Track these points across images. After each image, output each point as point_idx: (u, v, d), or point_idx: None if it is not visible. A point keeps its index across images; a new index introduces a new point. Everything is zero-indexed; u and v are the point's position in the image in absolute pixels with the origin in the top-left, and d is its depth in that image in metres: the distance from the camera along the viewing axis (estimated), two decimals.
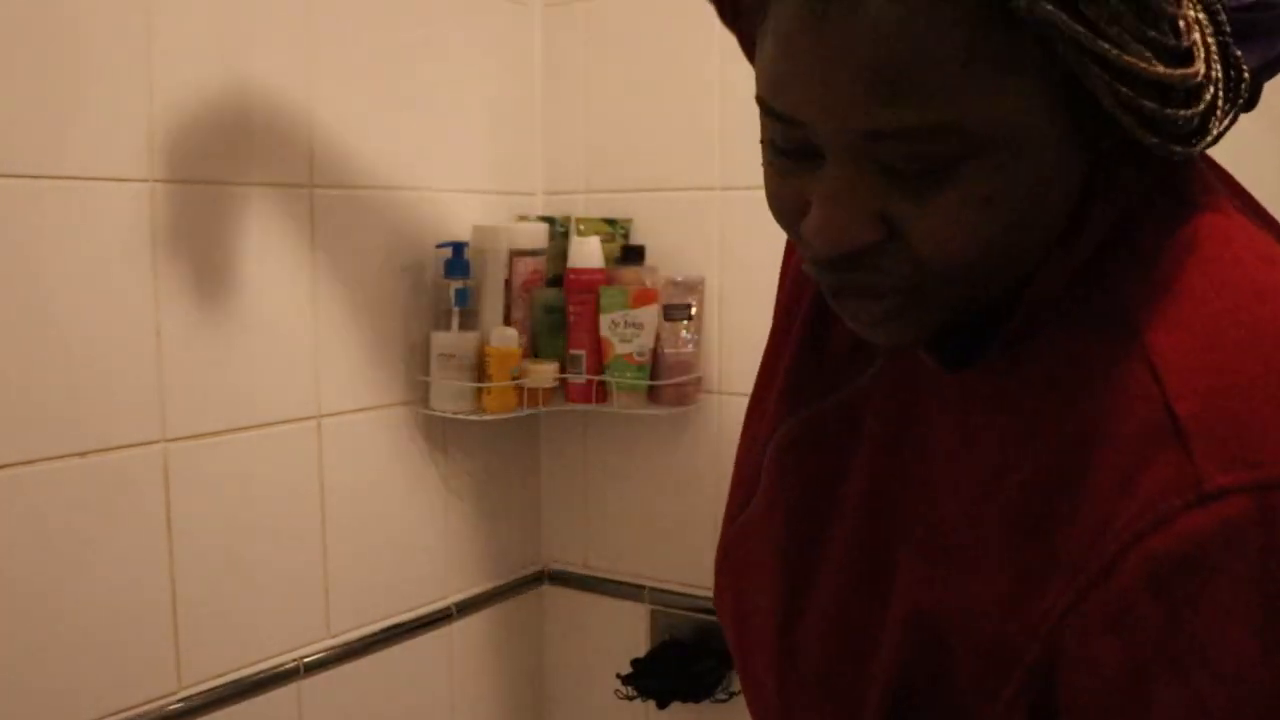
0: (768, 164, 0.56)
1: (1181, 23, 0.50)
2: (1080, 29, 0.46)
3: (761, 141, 0.57)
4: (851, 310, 0.56)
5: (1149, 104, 0.48)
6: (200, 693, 1.28)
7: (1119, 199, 0.54)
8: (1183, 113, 0.49)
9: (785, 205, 0.55)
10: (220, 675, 1.30)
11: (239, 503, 1.32)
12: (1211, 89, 0.51)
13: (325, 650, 1.43)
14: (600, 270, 1.59)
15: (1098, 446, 0.49)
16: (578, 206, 1.72)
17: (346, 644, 1.46)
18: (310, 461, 1.41)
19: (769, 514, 0.67)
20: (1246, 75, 0.52)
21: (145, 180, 1.21)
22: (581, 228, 1.63)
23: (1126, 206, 0.54)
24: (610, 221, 1.66)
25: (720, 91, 1.57)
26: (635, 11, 1.65)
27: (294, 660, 1.39)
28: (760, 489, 0.69)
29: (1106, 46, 0.46)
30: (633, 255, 1.62)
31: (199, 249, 1.26)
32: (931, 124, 0.48)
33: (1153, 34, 0.48)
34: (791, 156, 0.54)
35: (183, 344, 1.25)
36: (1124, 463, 0.48)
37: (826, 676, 0.60)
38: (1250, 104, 0.53)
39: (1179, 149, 0.50)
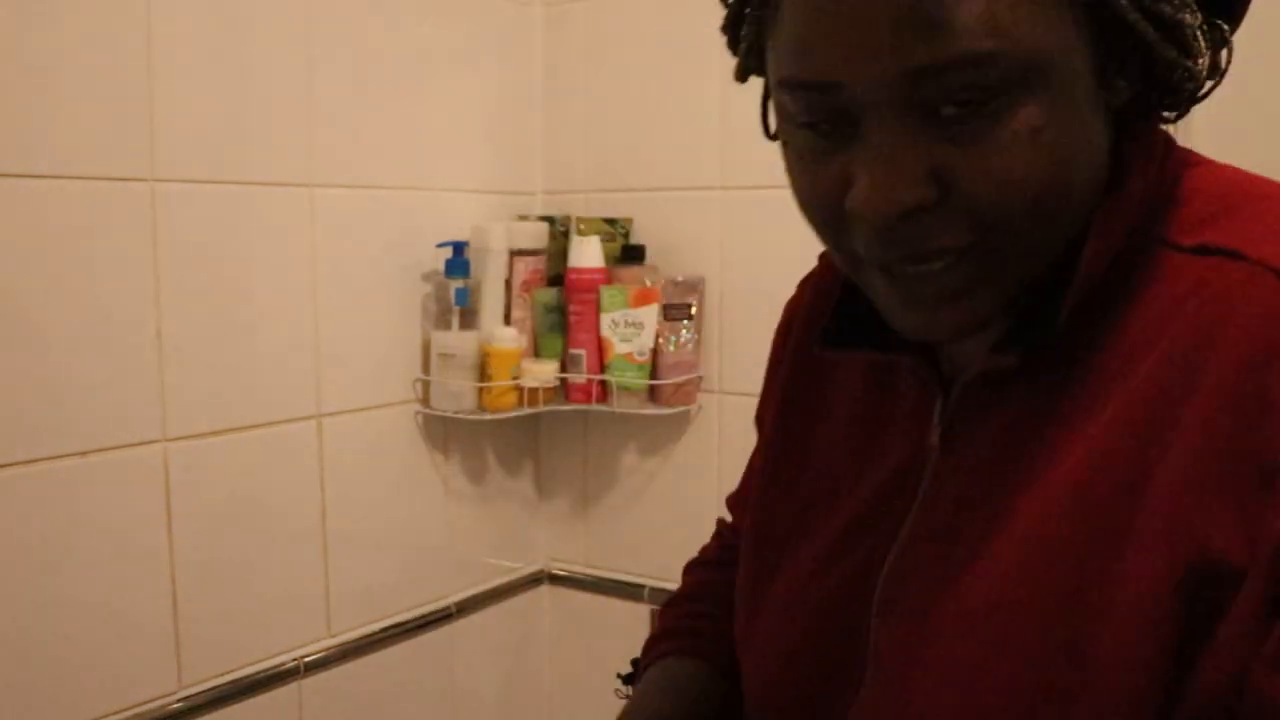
0: (796, 158, 0.55)
1: None
2: None
3: (782, 142, 0.56)
4: (908, 295, 0.54)
5: (1167, 7, 0.50)
6: (200, 692, 1.28)
7: (1148, 150, 0.55)
8: (1188, 18, 0.51)
9: (825, 190, 0.53)
10: (220, 675, 1.30)
11: (239, 503, 1.32)
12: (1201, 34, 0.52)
13: (325, 650, 1.43)
14: (600, 270, 1.59)
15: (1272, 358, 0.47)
16: (578, 206, 1.72)
17: (346, 644, 1.46)
18: (310, 461, 1.41)
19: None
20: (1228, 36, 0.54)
21: (145, 180, 1.21)
22: (582, 227, 1.63)
23: (1154, 158, 0.55)
24: (610, 221, 1.66)
25: (720, 91, 1.57)
26: (635, 11, 1.65)
27: (294, 660, 1.39)
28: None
29: None
30: (633, 255, 1.62)
31: (199, 249, 1.26)
32: (971, 55, 0.48)
33: None
34: (825, 134, 0.52)
35: (183, 344, 1.25)
36: None
37: None
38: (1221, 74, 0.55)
39: (1189, 70, 0.52)
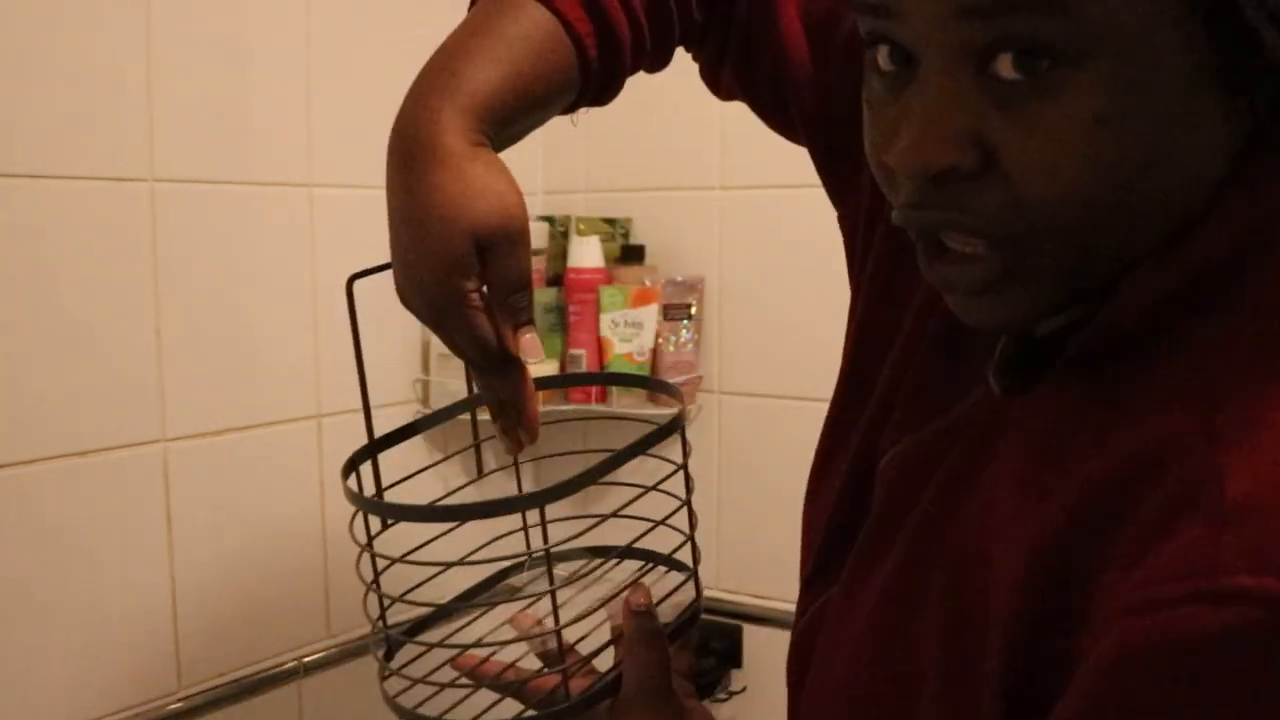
0: (866, 108, 0.50)
1: None
2: None
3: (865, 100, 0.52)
4: (945, 276, 0.48)
5: None
6: (200, 692, 1.28)
7: (1259, 198, 0.44)
8: None
9: (877, 142, 0.48)
10: (220, 675, 1.30)
11: (239, 503, 1.32)
12: None
13: (325, 650, 1.43)
14: (600, 270, 1.59)
15: (1135, 494, 0.42)
16: (578, 206, 1.72)
17: (346, 644, 1.46)
18: (310, 461, 1.41)
19: (879, 542, 0.59)
20: None
21: (145, 180, 1.21)
22: (581, 227, 1.63)
23: (1268, 213, 0.45)
24: (610, 221, 1.66)
25: None
26: None
27: (294, 660, 1.39)
28: (871, 516, 0.61)
29: None
30: (633, 254, 1.62)
31: (198, 249, 1.26)
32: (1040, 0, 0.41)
33: None
34: (890, 82, 0.47)
35: (182, 344, 1.25)
36: (1151, 521, 0.40)
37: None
38: None
39: None
